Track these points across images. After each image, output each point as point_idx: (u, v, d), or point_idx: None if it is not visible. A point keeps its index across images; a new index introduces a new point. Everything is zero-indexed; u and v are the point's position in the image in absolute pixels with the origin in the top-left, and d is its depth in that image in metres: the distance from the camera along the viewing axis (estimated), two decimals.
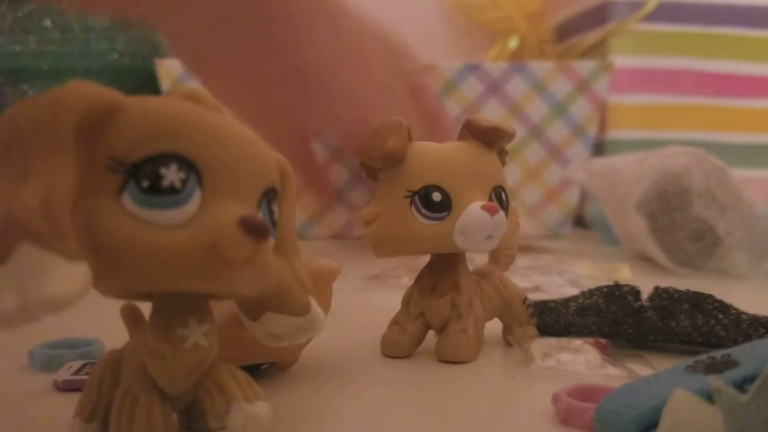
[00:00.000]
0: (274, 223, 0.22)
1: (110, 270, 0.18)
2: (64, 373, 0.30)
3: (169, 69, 0.90)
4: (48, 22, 0.94)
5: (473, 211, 0.31)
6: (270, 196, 0.21)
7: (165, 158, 0.18)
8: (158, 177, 0.18)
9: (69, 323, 0.45)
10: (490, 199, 0.33)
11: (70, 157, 0.17)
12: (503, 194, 0.34)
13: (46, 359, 0.33)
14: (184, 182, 0.18)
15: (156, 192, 0.18)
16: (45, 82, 0.93)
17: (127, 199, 0.18)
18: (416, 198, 0.32)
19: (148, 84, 0.93)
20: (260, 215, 0.21)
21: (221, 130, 0.19)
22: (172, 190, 0.18)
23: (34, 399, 0.29)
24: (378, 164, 0.34)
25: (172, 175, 0.18)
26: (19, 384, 0.31)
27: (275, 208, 0.22)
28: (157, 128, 0.18)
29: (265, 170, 0.21)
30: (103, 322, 0.45)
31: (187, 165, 0.18)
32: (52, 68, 0.93)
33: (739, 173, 0.68)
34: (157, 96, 0.19)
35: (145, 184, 0.18)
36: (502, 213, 0.32)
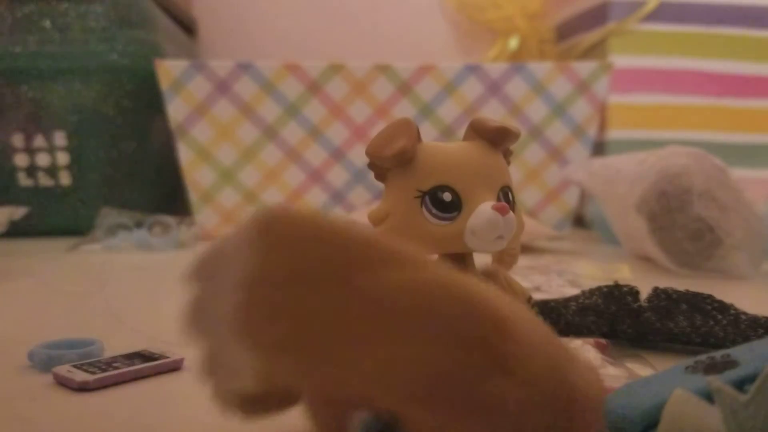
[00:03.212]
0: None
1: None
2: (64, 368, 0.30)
3: (169, 69, 0.90)
4: (48, 23, 0.94)
5: (484, 211, 0.31)
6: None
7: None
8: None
9: (69, 323, 0.46)
10: (499, 200, 0.33)
11: None
12: (510, 194, 0.34)
13: (46, 359, 0.33)
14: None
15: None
16: (44, 82, 0.93)
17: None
18: (427, 198, 0.32)
19: (148, 84, 0.93)
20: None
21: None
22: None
23: (34, 399, 0.29)
24: (387, 165, 0.34)
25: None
26: (19, 384, 0.31)
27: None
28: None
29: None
30: (103, 322, 0.45)
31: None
32: (51, 68, 0.93)
33: (739, 173, 0.68)
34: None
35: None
36: (512, 213, 0.32)
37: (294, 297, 0.18)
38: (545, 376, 0.18)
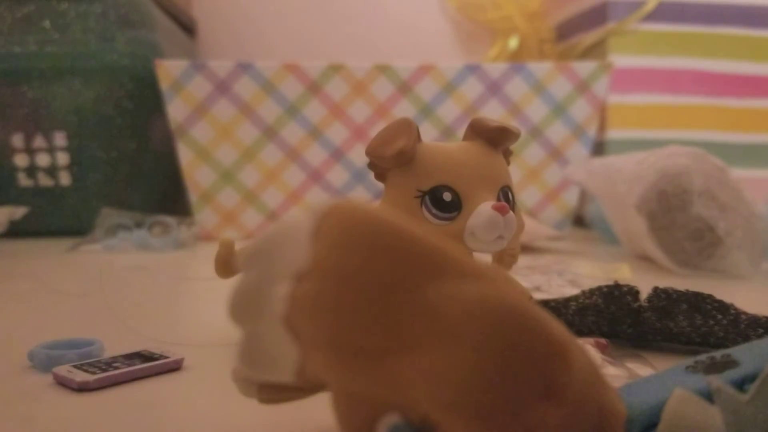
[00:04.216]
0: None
1: None
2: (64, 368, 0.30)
3: (169, 69, 0.90)
4: (47, 23, 0.94)
5: (484, 211, 0.31)
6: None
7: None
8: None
9: (69, 323, 0.46)
10: (499, 199, 0.33)
11: None
12: (510, 194, 0.34)
13: (46, 359, 0.33)
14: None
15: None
16: (44, 82, 0.93)
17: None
18: (427, 198, 0.32)
19: (148, 84, 0.93)
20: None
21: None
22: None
23: (34, 399, 0.29)
24: (388, 165, 0.34)
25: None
26: (19, 384, 0.31)
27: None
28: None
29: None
30: (103, 322, 0.45)
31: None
32: (51, 68, 0.93)
33: (739, 173, 0.68)
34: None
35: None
36: (512, 213, 0.32)
37: (351, 296, 0.17)
38: (589, 400, 0.18)
